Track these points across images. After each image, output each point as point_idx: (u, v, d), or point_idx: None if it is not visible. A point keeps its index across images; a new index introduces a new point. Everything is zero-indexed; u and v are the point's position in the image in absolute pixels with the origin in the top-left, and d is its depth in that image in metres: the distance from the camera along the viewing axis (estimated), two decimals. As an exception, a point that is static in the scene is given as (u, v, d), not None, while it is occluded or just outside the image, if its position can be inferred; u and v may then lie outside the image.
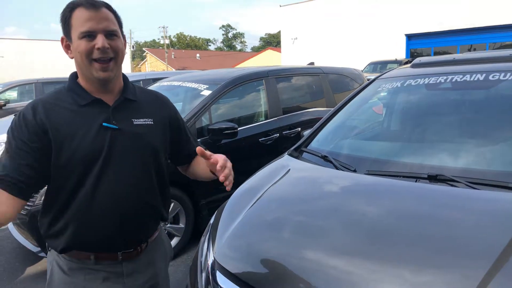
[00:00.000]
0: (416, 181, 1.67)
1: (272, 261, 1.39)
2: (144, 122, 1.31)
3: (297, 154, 2.29)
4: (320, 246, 1.38)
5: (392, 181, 1.72)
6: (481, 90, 2.14)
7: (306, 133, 2.60)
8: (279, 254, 1.40)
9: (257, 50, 65.92)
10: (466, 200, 1.50)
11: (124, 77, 1.33)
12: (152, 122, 1.33)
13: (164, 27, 47.73)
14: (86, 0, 1.18)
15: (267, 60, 38.53)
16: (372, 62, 16.48)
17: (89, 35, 1.17)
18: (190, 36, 76.00)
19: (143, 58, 54.03)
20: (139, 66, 51.82)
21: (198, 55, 51.20)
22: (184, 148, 1.50)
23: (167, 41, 48.35)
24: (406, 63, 14.00)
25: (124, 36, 1.28)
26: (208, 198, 3.40)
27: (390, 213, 1.51)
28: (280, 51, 28.47)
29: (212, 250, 1.60)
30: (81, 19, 1.16)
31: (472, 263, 1.15)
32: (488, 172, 1.65)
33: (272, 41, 68.51)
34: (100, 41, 1.16)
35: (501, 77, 2.02)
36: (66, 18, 1.19)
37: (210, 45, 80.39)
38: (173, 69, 42.74)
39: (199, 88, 3.81)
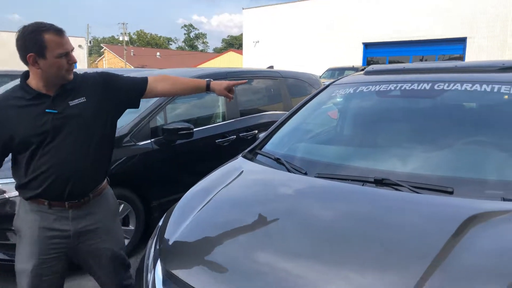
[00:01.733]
0: (363, 185, 1.71)
1: (221, 264, 1.36)
2: (78, 102, 1.70)
3: (251, 156, 2.30)
4: (270, 249, 1.38)
5: (340, 185, 1.76)
6: (427, 98, 2.24)
7: (261, 135, 2.62)
8: (229, 257, 1.38)
9: (219, 51, 65.67)
10: (408, 204, 1.55)
11: None
12: (84, 99, 1.72)
13: (123, 24, 46.47)
14: (52, 27, 1.61)
15: (228, 61, 38.47)
16: (331, 68, 16.90)
17: (66, 55, 1.63)
18: (151, 34, 74.45)
19: (100, 54, 52.20)
20: (96, 62, 50.04)
21: (158, 53, 50.23)
22: (133, 90, 1.88)
23: (126, 38, 47.03)
24: (362, 70, 14.41)
25: None
26: (160, 200, 3.33)
27: (336, 216, 1.55)
28: (241, 54, 28.53)
29: (159, 253, 1.55)
30: (56, 43, 1.60)
31: (412, 263, 1.20)
32: (430, 177, 1.72)
33: (234, 43, 68.54)
34: (73, 57, 1.67)
35: (445, 87, 2.13)
36: (37, 40, 1.57)
37: (171, 44, 79.17)
38: (132, 67, 41.65)
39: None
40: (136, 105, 1.91)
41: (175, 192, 3.01)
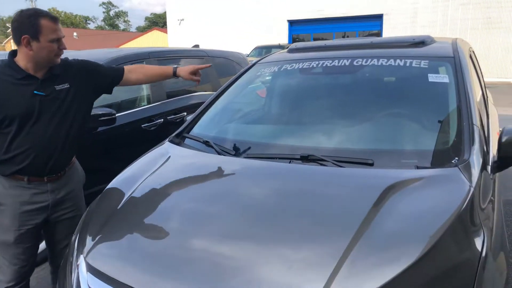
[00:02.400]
0: (290, 162, 1.76)
1: (154, 255, 1.31)
2: (62, 87, 1.89)
3: (179, 140, 2.25)
4: (205, 234, 1.37)
5: (269, 164, 1.79)
6: (347, 74, 2.34)
7: (188, 118, 2.57)
8: (160, 247, 1.34)
9: (142, 30, 62.77)
10: (332, 178, 1.63)
11: None
12: (68, 86, 1.91)
13: (32, 1, 42.21)
14: (48, 14, 1.78)
15: (153, 41, 37.06)
16: (258, 47, 17.01)
17: (57, 40, 1.80)
18: (65, 13, 68.70)
19: (7, 35, 47.16)
20: (3, 44, 45.20)
21: (75, 33, 46.62)
22: (112, 78, 2.12)
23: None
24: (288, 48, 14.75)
25: None
26: (83, 191, 3.14)
27: (266, 195, 1.57)
28: (167, 32, 27.56)
29: (83, 249, 1.46)
30: (50, 29, 1.76)
31: (339, 234, 1.26)
32: (352, 150, 1.82)
33: (158, 22, 65.84)
34: (63, 44, 1.84)
35: (363, 63, 2.25)
36: (33, 23, 1.72)
37: (89, 23, 73.94)
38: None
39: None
40: (110, 92, 2.17)
41: (99, 182, 2.84)
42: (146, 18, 73.97)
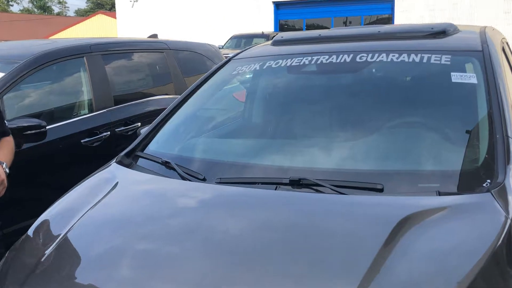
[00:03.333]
0: (276, 189, 1.78)
1: None
2: None
3: (130, 161, 2.26)
4: (165, 283, 1.37)
5: (248, 191, 1.81)
6: (348, 73, 2.41)
7: (143, 131, 2.57)
8: None
9: (83, 14, 62.65)
10: (332, 208, 1.66)
11: None
12: None
13: None
14: None
15: (97, 28, 36.95)
16: (235, 36, 17.14)
17: None
18: (-20, -9, 68.19)
19: None
20: None
21: (-7, 18, 46.21)
22: None
23: None
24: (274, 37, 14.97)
25: None
26: (2, 230, 3.07)
27: (247, 231, 1.59)
28: (115, 17, 27.56)
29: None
30: None
31: (342, 280, 1.28)
32: (356, 172, 1.85)
33: (104, 3, 65.92)
34: None
35: (369, 59, 2.29)
36: None
37: (12, 5, 73.37)
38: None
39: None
40: None
41: (23, 218, 2.83)
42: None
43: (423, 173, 1.84)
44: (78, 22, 40.69)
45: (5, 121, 2.30)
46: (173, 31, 19.91)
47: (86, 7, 72.69)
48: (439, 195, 1.64)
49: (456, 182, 1.76)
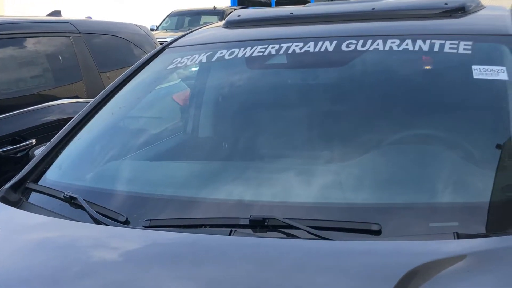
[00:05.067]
0: (230, 234, 1.78)
1: None
2: None
3: (17, 196, 2.26)
4: None
5: (191, 238, 1.83)
6: (331, 68, 2.47)
7: (39, 152, 2.57)
8: None
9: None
10: (310, 261, 1.67)
11: None
12: None
13: None
14: None
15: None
16: (175, 13, 17.25)
17: None
18: None
19: None
20: None
21: None
22: None
23: None
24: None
25: None
26: None
27: None
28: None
29: None
30: None
31: None
32: (343, 207, 1.91)
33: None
34: None
35: (359, 47, 2.35)
36: None
37: None
38: None
39: None
40: None
41: None
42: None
43: (436, 207, 1.88)
44: None
45: None
46: (85, 8, 19.86)
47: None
48: (458, 238, 1.68)
49: (482, 219, 1.80)
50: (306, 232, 1.73)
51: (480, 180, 2.00)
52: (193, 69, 2.89)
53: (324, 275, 1.62)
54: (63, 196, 2.11)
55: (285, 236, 1.77)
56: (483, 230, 1.75)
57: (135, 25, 5.78)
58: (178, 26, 16.06)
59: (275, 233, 1.78)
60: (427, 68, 2.41)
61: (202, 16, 16.22)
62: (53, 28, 4.77)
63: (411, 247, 1.68)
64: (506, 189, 1.93)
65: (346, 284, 1.58)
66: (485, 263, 1.59)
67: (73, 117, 2.68)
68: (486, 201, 1.88)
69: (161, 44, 3.81)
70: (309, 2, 21.06)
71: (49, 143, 2.56)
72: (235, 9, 16.38)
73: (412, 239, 1.71)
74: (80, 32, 4.90)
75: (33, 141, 3.92)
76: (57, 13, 5.61)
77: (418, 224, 1.79)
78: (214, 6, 17.50)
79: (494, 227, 1.76)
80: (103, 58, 5.03)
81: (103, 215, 1.97)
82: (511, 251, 1.61)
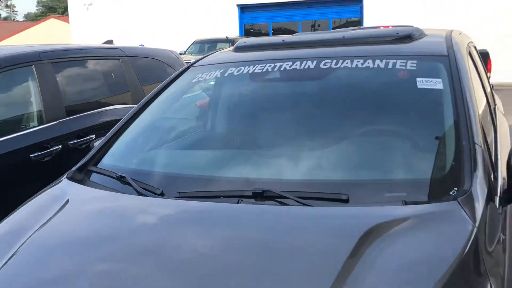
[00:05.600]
0: (238, 202, 1.81)
1: None
2: None
3: (82, 176, 2.26)
4: None
5: (210, 205, 1.84)
6: (312, 80, 2.48)
7: (97, 143, 2.58)
8: None
9: (33, 19, 61.68)
10: (296, 221, 1.69)
11: None
12: None
13: None
14: None
15: (49, 33, 36.51)
16: (198, 41, 17.24)
17: None
18: None
19: None
20: None
21: None
22: None
23: None
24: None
25: None
26: None
27: (209, 249, 1.61)
28: (68, 22, 27.28)
29: None
30: None
31: None
32: (321, 182, 1.91)
33: (56, 7, 65.10)
34: None
35: (333, 65, 2.37)
36: None
37: (-47, 9, 71.62)
38: None
39: None
40: None
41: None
42: (40, 2, 72.86)
43: (389, 182, 1.90)
44: (28, 27, 40.15)
45: None
46: (131, 37, 19.82)
47: (36, 11, 71.74)
48: (406, 204, 1.69)
49: (423, 190, 1.82)
50: (293, 201, 1.75)
51: (422, 163, 2.02)
52: (211, 82, 2.90)
53: (306, 232, 1.63)
54: (115, 175, 2.13)
55: (278, 203, 1.79)
56: (424, 198, 1.77)
57: (168, 50, 5.79)
58: (200, 51, 16.07)
59: (271, 201, 1.80)
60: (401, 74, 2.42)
61: (218, 44, 16.23)
62: (107, 53, 4.77)
63: (371, 211, 1.70)
64: (441, 169, 1.94)
65: (322, 238, 1.59)
66: (424, 222, 1.61)
67: (121, 119, 2.71)
68: (426, 178, 1.91)
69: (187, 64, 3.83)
70: (296, 32, 21.11)
71: (104, 137, 2.58)
72: (242, 37, 16.61)
73: (371, 206, 1.74)
74: (127, 56, 4.90)
75: (93, 136, 3.90)
76: (110, 41, 5.63)
77: (377, 194, 1.82)
78: (226, 36, 17.52)
79: (431, 197, 1.78)
80: (144, 74, 5.02)
81: (144, 189, 1.99)
82: (443, 214, 1.63)
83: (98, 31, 22.80)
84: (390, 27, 5.03)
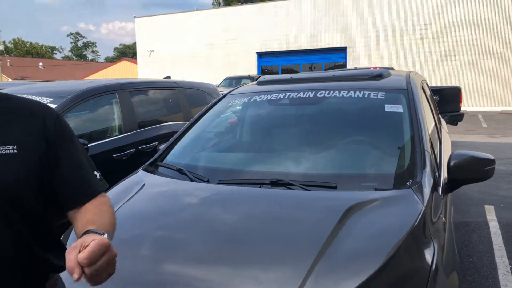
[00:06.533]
0: (260, 187, 1.87)
1: (126, 280, 1.33)
2: (2, 151, 0.94)
3: (153, 168, 2.30)
4: (177, 259, 1.42)
5: (240, 189, 1.89)
6: (312, 105, 2.51)
7: (162, 147, 2.63)
8: (136, 272, 1.37)
9: (111, 60, 62.51)
10: (299, 200, 1.75)
11: None
12: (15, 151, 0.95)
13: (-4, 30, 41.22)
14: None
15: (122, 71, 36.89)
16: (228, 78, 17.40)
17: None
18: (31, 43, 67.59)
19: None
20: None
21: (41, 63, 45.76)
22: (67, 186, 1.05)
23: (0, 47, 41.94)
24: (257, 79, 15.27)
25: None
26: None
27: (237, 219, 1.68)
28: (136, 63, 27.62)
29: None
30: None
31: (304, 254, 1.36)
32: (318, 175, 1.95)
33: (128, 52, 65.86)
34: None
35: (326, 94, 2.43)
36: None
37: (56, 54, 72.85)
38: (10, 79, 37.37)
39: (42, 101, 3.46)
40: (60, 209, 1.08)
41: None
42: (115, 49, 73.92)
43: (365, 176, 1.95)
44: (107, 67, 40.58)
45: (96, 172, 1.17)
46: (180, 73, 20.08)
47: (113, 55, 72.61)
48: (376, 190, 1.75)
49: (388, 181, 1.87)
50: (298, 187, 1.80)
51: (387, 163, 2.06)
52: (238, 107, 2.91)
53: (305, 208, 1.69)
54: (175, 168, 2.18)
55: (287, 188, 1.84)
56: (389, 187, 1.81)
57: (208, 83, 5.86)
58: (229, 85, 16.13)
59: (283, 187, 1.85)
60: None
61: (242, 80, 16.31)
62: (166, 85, 4.85)
63: (352, 195, 1.74)
64: (401, 167, 1.98)
65: (317, 212, 1.64)
66: (388, 203, 1.66)
67: (176, 131, 2.73)
68: (391, 173, 1.96)
69: (221, 93, 3.87)
70: (298, 71, 21.16)
71: (166, 143, 2.62)
72: (259, 76, 16.57)
73: (352, 191, 1.78)
74: (180, 87, 4.97)
75: (156, 143, 3.94)
76: (168, 77, 5.73)
77: (356, 183, 1.86)
78: (248, 74, 17.70)
79: (394, 186, 1.82)
80: (191, 100, 5.06)
81: (195, 177, 2.04)
82: (401, 197, 1.68)
83: (158, 70, 23.13)
84: (377, 67, 5.09)
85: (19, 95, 1.08)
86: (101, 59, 75.69)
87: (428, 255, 1.40)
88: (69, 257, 0.80)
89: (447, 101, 7.96)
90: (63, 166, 1.04)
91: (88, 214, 1.01)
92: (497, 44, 17.10)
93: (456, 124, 6.11)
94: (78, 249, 0.81)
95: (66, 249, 0.97)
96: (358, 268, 1.29)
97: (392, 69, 4.67)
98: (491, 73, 17.29)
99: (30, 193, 0.97)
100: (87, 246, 0.80)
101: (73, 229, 1.06)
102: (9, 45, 61.82)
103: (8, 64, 42.12)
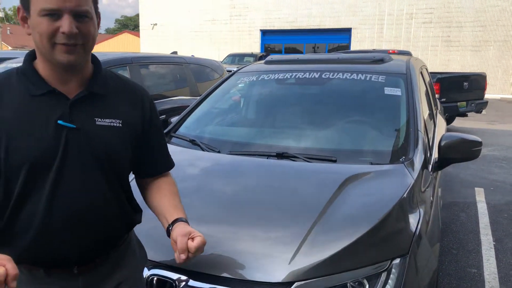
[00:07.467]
0: (267, 158, 2.03)
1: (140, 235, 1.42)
2: (110, 123, 1.09)
3: (167, 139, 2.42)
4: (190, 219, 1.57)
5: (250, 159, 2.06)
6: (317, 85, 2.64)
7: (174, 119, 2.77)
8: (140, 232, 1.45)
9: (112, 32, 61.66)
10: (302, 171, 1.92)
11: (96, 63, 1.13)
12: (120, 124, 1.10)
13: (-3, -2, 40.65)
14: None
15: (124, 44, 36.51)
16: (231, 54, 17.33)
17: (53, 14, 0.95)
18: (31, 11, 66.05)
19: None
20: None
21: (41, 33, 44.87)
22: (152, 157, 1.26)
23: (0, 14, 41.29)
24: (261, 57, 15.22)
25: (98, 14, 1.08)
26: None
27: (246, 186, 1.83)
28: (138, 35, 27.37)
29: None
30: None
31: (305, 217, 1.52)
32: (320, 149, 2.11)
33: (129, 24, 64.85)
34: (66, 24, 0.96)
35: (330, 76, 2.56)
36: None
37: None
38: (9, 47, 37.03)
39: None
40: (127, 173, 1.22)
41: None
42: (117, 20, 72.64)
43: (362, 151, 2.11)
44: (109, 38, 40.06)
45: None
46: (183, 48, 19.99)
47: (114, 27, 71.55)
48: (371, 164, 1.92)
49: (383, 157, 2.03)
50: (301, 159, 1.96)
51: (383, 140, 2.20)
52: (240, 85, 2.96)
53: (308, 177, 1.84)
54: (188, 139, 2.31)
55: (292, 160, 1.98)
56: (383, 161, 1.96)
57: (214, 60, 5.97)
58: (232, 62, 16.08)
59: (287, 159, 1.99)
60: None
61: (245, 57, 16.25)
62: (174, 60, 4.97)
63: (350, 167, 1.89)
64: (395, 145, 2.13)
65: (318, 181, 1.79)
66: (382, 175, 1.82)
67: (183, 106, 2.84)
68: (386, 150, 2.10)
69: (227, 71, 3.93)
70: (301, 51, 21.07)
71: (178, 116, 2.73)
72: (262, 54, 16.56)
73: (350, 164, 1.93)
74: (187, 63, 5.11)
75: (164, 116, 4.02)
76: (175, 52, 5.85)
77: (354, 158, 2.01)
78: (251, 52, 17.61)
79: (388, 161, 1.97)
80: (197, 76, 5.19)
81: (207, 147, 2.18)
82: (394, 171, 1.83)
83: (161, 43, 22.98)
84: (395, 51, 5.08)
85: None
86: (102, 31, 74.50)
87: (413, 220, 1.58)
88: (182, 241, 1.08)
89: (473, 88, 7.96)
90: (153, 140, 1.25)
91: (170, 198, 1.25)
92: (501, 32, 17.06)
93: (480, 112, 6.06)
94: (187, 237, 1.09)
95: (141, 210, 1.26)
96: (351, 229, 1.45)
97: (409, 53, 4.67)
98: (494, 61, 17.31)
99: (127, 159, 1.15)
100: (193, 238, 1.09)
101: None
102: (9, 12, 60.74)
103: (8, 32, 41.60)
